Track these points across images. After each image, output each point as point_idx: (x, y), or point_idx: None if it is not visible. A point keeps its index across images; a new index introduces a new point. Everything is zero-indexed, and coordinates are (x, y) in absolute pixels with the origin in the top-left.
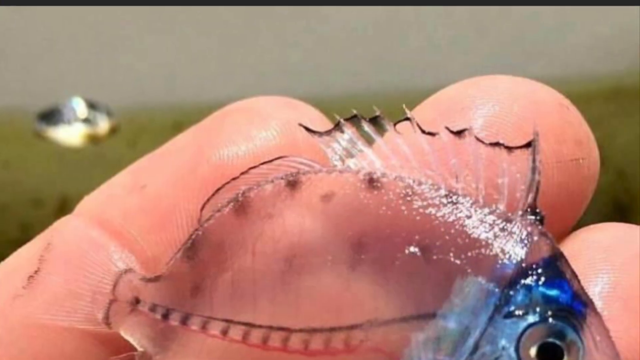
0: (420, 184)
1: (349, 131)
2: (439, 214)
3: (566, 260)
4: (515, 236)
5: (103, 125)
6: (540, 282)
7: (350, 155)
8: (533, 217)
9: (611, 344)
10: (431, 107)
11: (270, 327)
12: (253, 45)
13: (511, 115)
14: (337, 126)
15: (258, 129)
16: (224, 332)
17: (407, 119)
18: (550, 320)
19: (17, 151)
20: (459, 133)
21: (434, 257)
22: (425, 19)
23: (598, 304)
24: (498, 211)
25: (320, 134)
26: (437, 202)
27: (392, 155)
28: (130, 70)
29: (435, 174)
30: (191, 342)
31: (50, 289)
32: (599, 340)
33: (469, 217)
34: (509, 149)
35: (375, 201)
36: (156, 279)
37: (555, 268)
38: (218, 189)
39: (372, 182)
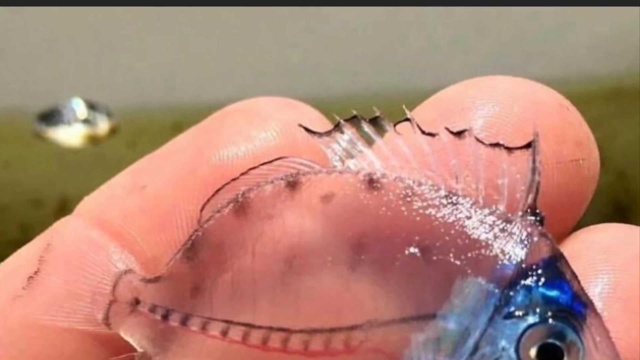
0: (420, 184)
1: (348, 132)
2: (438, 215)
3: (566, 261)
4: (515, 237)
5: (103, 125)
6: (540, 283)
7: (350, 155)
8: (533, 218)
9: (611, 344)
10: (431, 107)
11: (270, 328)
12: (253, 45)
13: (511, 116)
14: (337, 127)
15: (258, 129)
16: (224, 333)
17: (407, 119)
18: (550, 321)
19: (17, 152)
20: (459, 134)
21: (434, 257)
22: (425, 19)
23: (598, 304)
24: (498, 212)
25: (320, 134)
26: (437, 202)
27: (392, 155)
28: (130, 71)
29: (435, 175)
30: (191, 343)
31: (50, 289)
32: (599, 341)
33: (469, 217)
34: (509, 149)
35: (375, 202)
36: (156, 279)
37: (555, 269)
38: (218, 190)
39: (372, 182)
